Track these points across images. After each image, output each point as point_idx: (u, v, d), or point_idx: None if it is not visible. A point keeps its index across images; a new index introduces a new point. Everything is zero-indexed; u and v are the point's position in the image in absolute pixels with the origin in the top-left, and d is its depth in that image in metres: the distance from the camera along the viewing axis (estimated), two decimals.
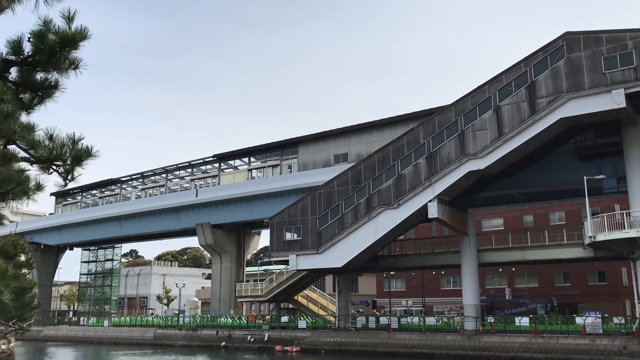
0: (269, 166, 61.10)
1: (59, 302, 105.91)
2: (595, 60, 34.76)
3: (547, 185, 44.63)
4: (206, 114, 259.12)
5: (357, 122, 56.76)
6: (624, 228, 34.63)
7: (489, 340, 38.02)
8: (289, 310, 62.38)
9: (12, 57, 6.07)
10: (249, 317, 55.78)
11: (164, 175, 71.59)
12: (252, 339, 49.70)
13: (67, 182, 6.06)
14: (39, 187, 5.93)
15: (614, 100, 33.44)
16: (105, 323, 67.67)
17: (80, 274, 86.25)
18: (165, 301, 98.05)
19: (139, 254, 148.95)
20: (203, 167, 68.21)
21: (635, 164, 36.77)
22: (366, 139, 53.53)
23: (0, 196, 5.72)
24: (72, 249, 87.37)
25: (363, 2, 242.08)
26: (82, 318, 74.57)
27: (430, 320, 44.83)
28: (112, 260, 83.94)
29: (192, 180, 68.12)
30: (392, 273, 62.24)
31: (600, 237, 35.55)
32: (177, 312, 72.90)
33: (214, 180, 65.80)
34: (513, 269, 60.48)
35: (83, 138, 6.08)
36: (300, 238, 44.66)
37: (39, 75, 6.26)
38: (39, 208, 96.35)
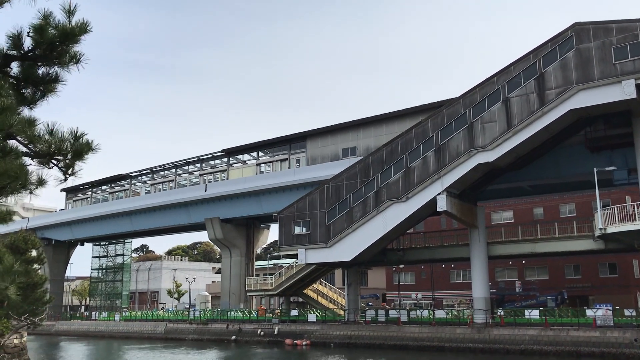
0: (277, 160, 61.15)
1: (71, 297, 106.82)
2: (605, 50, 34.42)
3: (557, 178, 44.28)
4: (214, 108, 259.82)
5: (365, 115, 56.39)
6: (635, 220, 34.43)
7: (498, 333, 37.92)
8: (299, 304, 62.49)
9: (13, 52, 6.07)
10: (258, 310, 56.04)
11: (173, 170, 71.90)
12: (262, 333, 49.94)
13: (67, 176, 6.05)
14: (41, 182, 5.92)
15: (624, 90, 33.15)
16: (117, 317, 68.19)
17: (92, 269, 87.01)
18: (175, 295, 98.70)
19: (149, 248, 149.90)
20: (212, 162, 68.41)
21: None
22: (374, 132, 53.37)
23: None
24: (83, 244, 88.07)
25: None
26: (93, 313, 75.20)
27: (440, 314, 44.71)
28: (122, 255, 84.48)
29: (201, 175, 68.35)
30: (401, 266, 62.19)
31: (611, 229, 35.37)
32: (187, 306, 73.28)
33: (222, 175, 65.99)
34: (523, 262, 60.25)
35: (85, 134, 6.04)
36: (309, 232, 44.71)
37: (41, 70, 6.26)
38: (50, 204, 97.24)
